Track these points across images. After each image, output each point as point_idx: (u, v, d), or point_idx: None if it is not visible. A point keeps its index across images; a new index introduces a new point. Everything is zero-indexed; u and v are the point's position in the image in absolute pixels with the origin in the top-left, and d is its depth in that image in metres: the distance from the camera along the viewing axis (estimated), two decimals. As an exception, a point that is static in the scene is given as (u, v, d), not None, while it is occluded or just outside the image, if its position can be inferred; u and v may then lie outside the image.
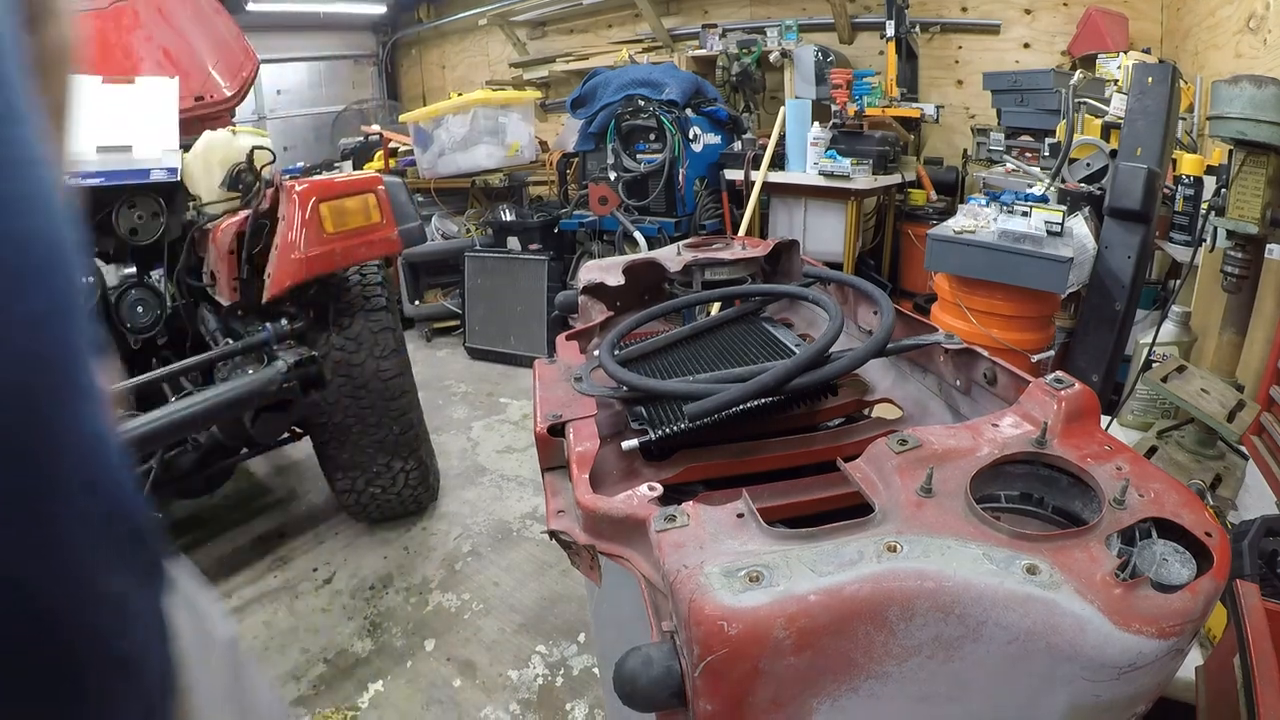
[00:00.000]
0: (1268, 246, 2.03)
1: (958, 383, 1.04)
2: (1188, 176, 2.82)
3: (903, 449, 0.76)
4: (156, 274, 2.61)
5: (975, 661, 0.61)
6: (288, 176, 3.00)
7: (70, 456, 0.36)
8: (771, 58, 5.11)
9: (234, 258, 2.45)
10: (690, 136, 4.59)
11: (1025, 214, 2.90)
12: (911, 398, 1.12)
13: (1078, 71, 3.79)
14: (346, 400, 2.68)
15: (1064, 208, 2.94)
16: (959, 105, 5.20)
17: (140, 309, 2.56)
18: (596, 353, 1.16)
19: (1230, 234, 2.01)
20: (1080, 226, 2.93)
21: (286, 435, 2.80)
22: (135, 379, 2.28)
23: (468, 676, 2.32)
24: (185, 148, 2.64)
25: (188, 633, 0.57)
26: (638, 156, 4.72)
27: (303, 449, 3.27)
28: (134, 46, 3.15)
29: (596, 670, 2.27)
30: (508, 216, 5.44)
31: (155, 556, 0.46)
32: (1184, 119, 3.24)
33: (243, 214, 2.49)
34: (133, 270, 2.57)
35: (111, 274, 2.52)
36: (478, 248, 5.28)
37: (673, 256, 1.50)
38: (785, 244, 1.54)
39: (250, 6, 6.94)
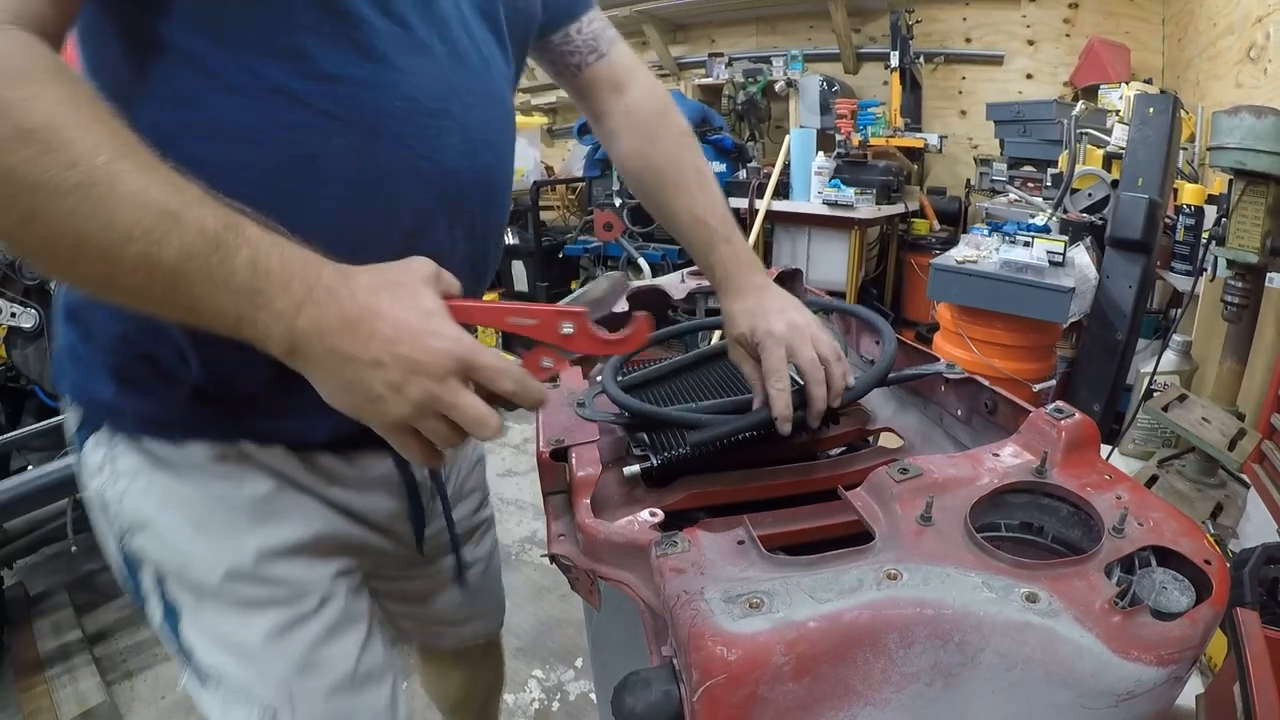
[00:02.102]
0: (1268, 275, 2.04)
1: (959, 412, 1.04)
2: (1189, 206, 2.84)
3: (903, 478, 0.77)
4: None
5: (974, 689, 0.61)
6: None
7: None
8: (777, 87, 5.16)
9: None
10: (695, 163, 4.61)
11: (1027, 244, 2.93)
12: (913, 427, 1.13)
13: (1080, 102, 3.82)
14: (349, 420, 2.68)
15: (1066, 238, 2.96)
16: (962, 135, 5.23)
17: (146, 324, 2.57)
18: (600, 378, 1.17)
19: (1230, 263, 2.02)
20: (1082, 256, 2.95)
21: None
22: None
23: None
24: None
25: None
26: (643, 182, 4.75)
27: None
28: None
29: (593, 696, 2.25)
30: (511, 240, 5.47)
31: None
32: (1185, 149, 3.26)
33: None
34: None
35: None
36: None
37: (677, 284, 1.52)
38: (788, 273, 1.55)
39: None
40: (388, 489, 0.97)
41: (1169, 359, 2.29)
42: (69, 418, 0.87)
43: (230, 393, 0.80)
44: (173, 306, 0.59)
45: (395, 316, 0.62)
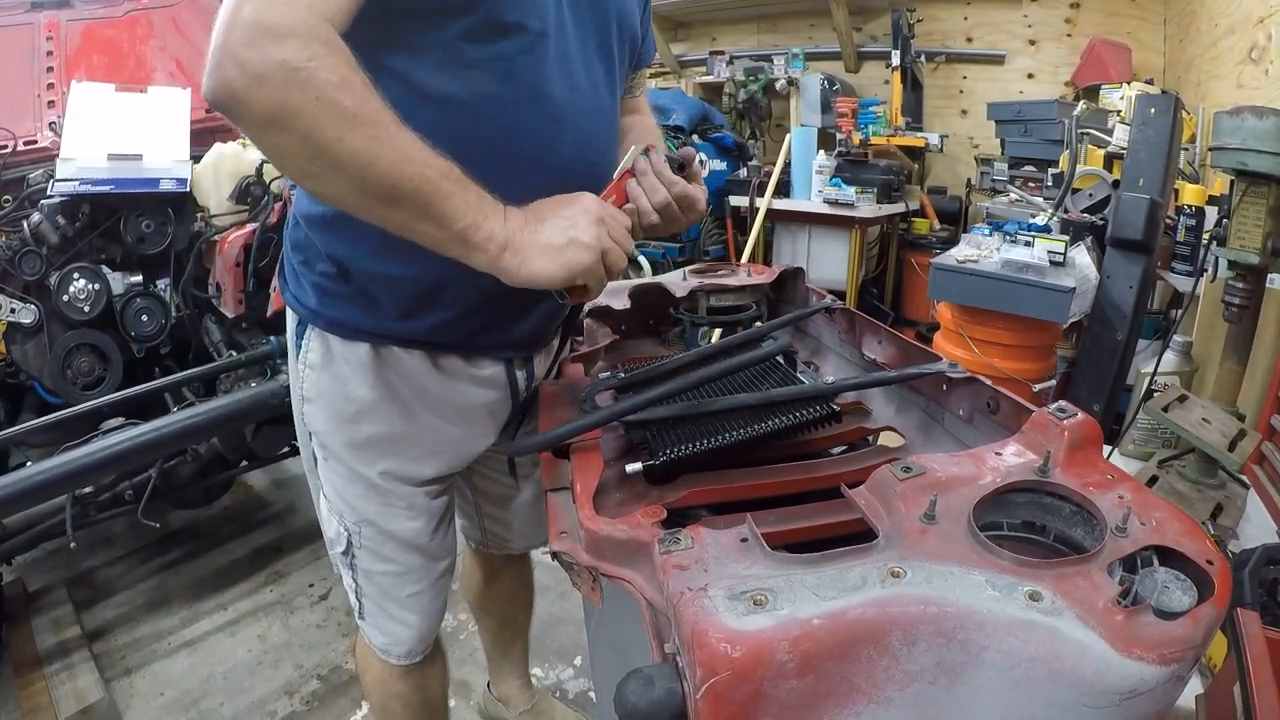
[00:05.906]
0: (1269, 276, 2.04)
1: (961, 411, 1.04)
2: (1190, 207, 2.84)
3: (906, 476, 0.77)
4: (162, 283, 2.62)
5: (977, 687, 0.61)
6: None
7: None
8: (778, 85, 5.15)
9: (240, 270, 2.46)
10: (696, 162, 4.61)
11: (1028, 244, 2.92)
12: (914, 426, 1.13)
13: (1081, 102, 3.82)
14: (348, 417, 2.69)
15: (1067, 238, 2.96)
16: (963, 135, 5.23)
17: (145, 317, 2.57)
18: (603, 375, 1.17)
19: (1231, 264, 2.03)
20: (1083, 256, 2.95)
21: (286, 449, 2.80)
22: (138, 387, 2.29)
23: (462, 697, 2.31)
24: (195, 159, 2.65)
25: None
26: (643, 180, 4.74)
27: (302, 464, 3.27)
28: (147, 56, 3.17)
29: (593, 694, 2.26)
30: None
31: None
32: (1186, 149, 3.26)
33: (250, 227, 2.51)
34: (139, 279, 2.58)
35: (118, 282, 2.53)
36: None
37: (679, 282, 1.52)
38: (790, 271, 1.55)
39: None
40: (495, 387, 1.28)
41: (1169, 359, 2.30)
42: (290, 321, 1.26)
43: (386, 299, 1.13)
44: (426, 215, 0.87)
45: (584, 199, 0.98)
